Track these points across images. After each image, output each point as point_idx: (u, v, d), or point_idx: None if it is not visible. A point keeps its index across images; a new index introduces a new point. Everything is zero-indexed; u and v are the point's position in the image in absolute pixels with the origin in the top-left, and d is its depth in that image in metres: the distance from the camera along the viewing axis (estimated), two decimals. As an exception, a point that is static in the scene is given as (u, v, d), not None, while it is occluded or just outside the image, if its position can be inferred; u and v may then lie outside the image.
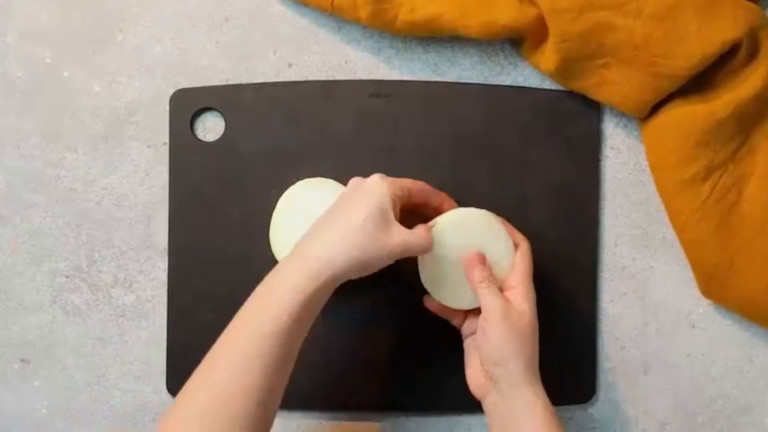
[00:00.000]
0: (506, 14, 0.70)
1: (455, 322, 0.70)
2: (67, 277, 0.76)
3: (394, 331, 0.74)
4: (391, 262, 0.62)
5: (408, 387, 0.74)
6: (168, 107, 0.74)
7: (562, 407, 0.75)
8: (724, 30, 0.68)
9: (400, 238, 0.62)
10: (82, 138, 0.75)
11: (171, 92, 0.74)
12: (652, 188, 0.74)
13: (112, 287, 0.75)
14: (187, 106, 0.74)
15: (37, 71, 0.75)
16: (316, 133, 0.74)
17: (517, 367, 0.63)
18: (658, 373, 0.76)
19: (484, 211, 0.68)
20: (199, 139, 0.75)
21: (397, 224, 0.62)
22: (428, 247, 0.64)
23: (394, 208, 0.63)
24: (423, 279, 0.68)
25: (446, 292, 0.68)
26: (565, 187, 0.74)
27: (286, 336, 0.59)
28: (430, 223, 0.66)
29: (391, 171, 0.73)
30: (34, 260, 0.76)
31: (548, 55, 0.71)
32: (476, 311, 0.67)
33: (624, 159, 0.75)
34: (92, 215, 0.75)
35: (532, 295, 0.66)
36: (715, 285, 0.73)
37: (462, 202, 0.74)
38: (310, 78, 0.75)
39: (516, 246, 0.68)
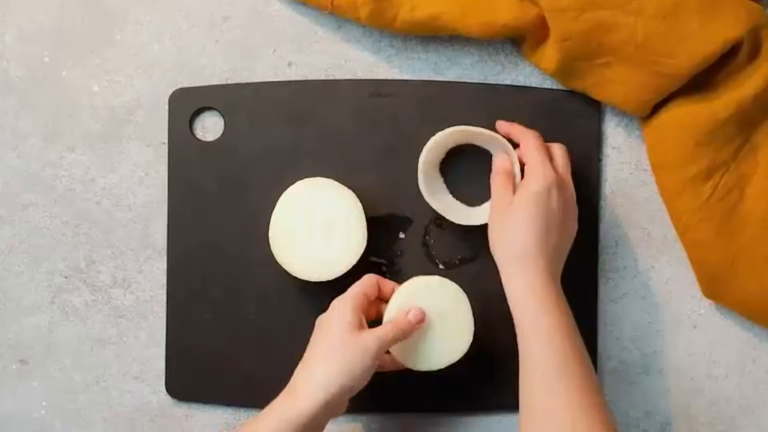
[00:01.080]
0: (507, 13, 0.70)
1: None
2: (65, 277, 0.75)
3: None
4: (376, 366, 0.65)
5: (409, 387, 0.73)
6: (167, 107, 0.74)
7: (563, 408, 0.75)
8: (725, 29, 0.68)
9: (373, 335, 0.64)
10: (81, 138, 0.75)
11: (170, 92, 0.74)
12: (653, 188, 0.74)
13: (111, 288, 0.75)
14: (187, 105, 0.74)
15: (36, 70, 0.75)
16: (316, 132, 0.74)
17: (503, 254, 0.66)
18: (659, 373, 0.76)
19: (437, 278, 0.69)
20: (198, 139, 0.74)
21: (367, 329, 0.65)
22: (405, 329, 0.66)
23: (359, 316, 0.66)
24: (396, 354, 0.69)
25: (415, 356, 0.69)
26: (566, 186, 0.74)
27: None
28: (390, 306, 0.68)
29: (390, 170, 0.73)
30: (33, 260, 0.75)
31: (549, 55, 0.71)
32: None
33: (625, 159, 0.75)
34: (91, 215, 0.75)
35: (529, 184, 0.66)
36: (716, 285, 0.73)
37: (463, 202, 0.74)
38: (310, 77, 0.75)
39: (520, 141, 0.69)
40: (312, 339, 0.67)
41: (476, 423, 0.75)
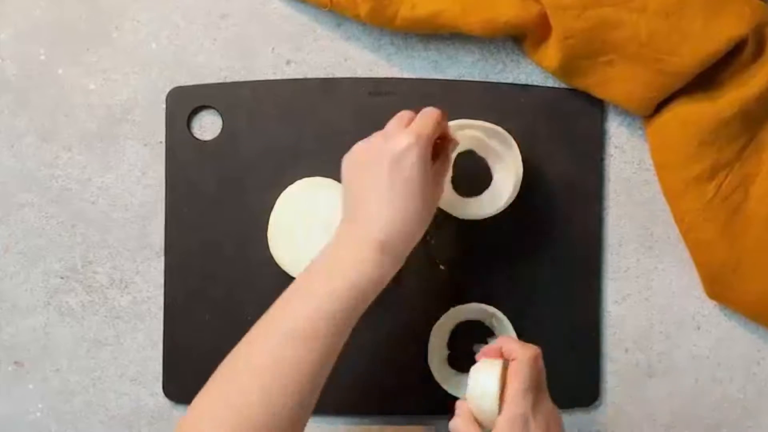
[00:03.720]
0: (508, 11, 0.70)
1: None
2: (61, 278, 0.75)
3: (396, 334, 0.73)
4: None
5: (411, 390, 0.73)
6: (164, 105, 0.74)
7: (565, 411, 0.75)
8: (729, 27, 0.68)
9: (438, 182, 0.63)
10: (77, 137, 0.75)
11: (167, 90, 0.74)
12: (656, 188, 0.74)
13: (108, 288, 0.75)
14: (184, 104, 0.74)
15: (31, 68, 0.75)
16: (315, 131, 0.74)
17: None
18: (662, 375, 0.75)
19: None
20: (196, 138, 0.74)
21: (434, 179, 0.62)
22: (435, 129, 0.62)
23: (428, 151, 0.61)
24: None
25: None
26: (568, 186, 0.74)
27: (353, 311, 0.57)
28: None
29: (391, 170, 0.73)
30: (29, 261, 0.75)
31: (551, 53, 0.71)
32: None
33: (628, 158, 0.75)
34: (87, 215, 0.75)
35: (516, 418, 0.58)
36: (720, 286, 0.73)
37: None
38: (309, 75, 0.74)
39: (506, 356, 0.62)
40: (388, 169, 0.60)
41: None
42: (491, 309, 0.71)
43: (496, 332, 0.73)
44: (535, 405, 0.59)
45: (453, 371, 0.73)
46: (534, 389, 0.59)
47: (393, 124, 0.63)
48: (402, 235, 0.60)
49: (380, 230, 0.59)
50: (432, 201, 0.62)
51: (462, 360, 0.74)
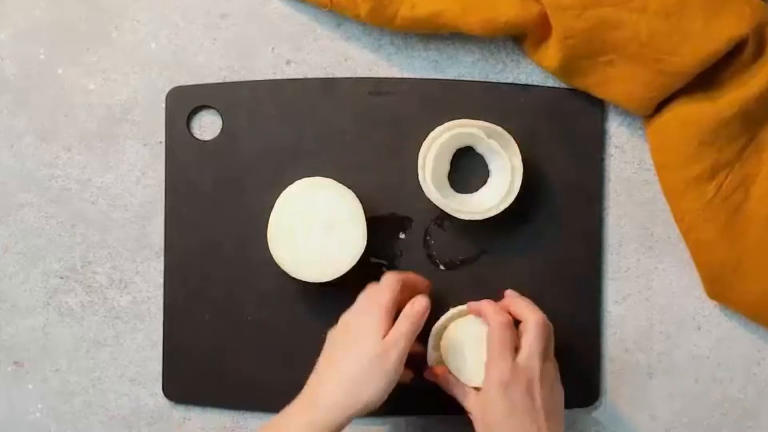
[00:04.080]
0: (508, 11, 0.70)
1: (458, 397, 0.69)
2: (61, 278, 0.75)
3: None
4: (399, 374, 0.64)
5: (411, 391, 0.73)
6: (164, 105, 0.74)
7: (566, 411, 0.74)
8: (730, 27, 0.68)
9: (397, 356, 0.63)
10: (77, 136, 0.75)
11: (167, 90, 0.74)
12: (657, 188, 0.74)
13: (107, 288, 0.75)
14: (184, 104, 0.74)
15: (31, 68, 0.74)
16: (315, 131, 0.73)
17: None
18: (663, 375, 0.75)
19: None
20: (195, 138, 0.74)
21: (391, 347, 0.63)
22: (417, 323, 0.64)
23: (385, 321, 0.64)
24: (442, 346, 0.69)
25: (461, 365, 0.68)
26: (568, 186, 0.74)
27: None
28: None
29: (391, 170, 0.73)
30: (28, 261, 0.75)
31: (551, 53, 0.71)
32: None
33: (628, 158, 0.75)
34: (87, 215, 0.75)
35: (490, 380, 0.64)
36: (721, 286, 0.73)
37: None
38: (309, 75, 0.74)
39: (487, 320, 0.66)
40: (338, 341, 0.65)
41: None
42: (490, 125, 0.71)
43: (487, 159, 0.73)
44: (542, 371, 0.64)
45: None
46: (542, 354, 0.64)
47: (386, 297, 0.65)
48: (349, 419, 0.62)
49: (333, 419, 0.62)
50: (381, 383, 0.63)
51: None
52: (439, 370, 0.68)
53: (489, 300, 0.67)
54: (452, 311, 0.70)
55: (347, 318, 0.66)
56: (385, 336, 0.63)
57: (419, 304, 0.65)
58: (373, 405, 0.62)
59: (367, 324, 0.64)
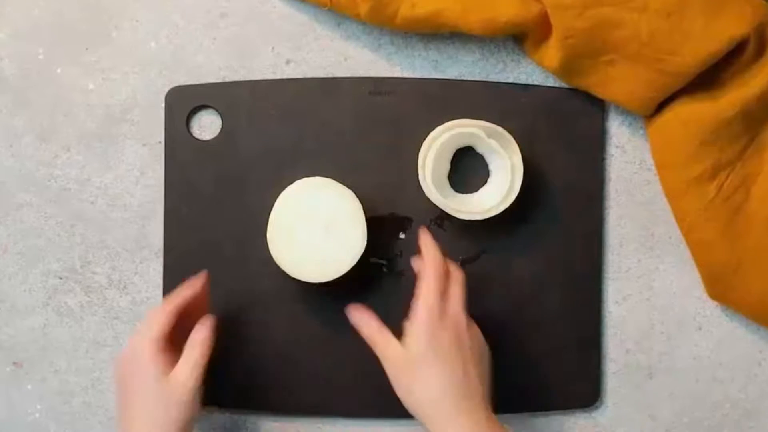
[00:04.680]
0: (509, 10, 0.69)
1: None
2: (60, 278, 0.75)
3: (395, 334, 0.73)
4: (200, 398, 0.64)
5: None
6: (163, 105, 0.74)
7: (566, 412, 0.75)
8: (731, 26, 0.67)
9: (182, 386, 0.63)
10: (76, 136, 0.74)
11: (166, 90, 0.74)
12: (657, 188, 0.73)
13: (107, 289, 0.75)
14: (183, 103, 0.74)
15: (30, 68, 0.74)
16: (315, 131, 0.73)
17: (420, 407, 0.62)
18: (663, 376, 0.75)
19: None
20: (195, 138, 0.74)
21: (170, 380, 0.63)
22: (202, 354, 0.64)
23: (165, 358, 0.63)
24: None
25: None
26: (569, 186, 0.73)
27: None
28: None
29: (391, 169, 0.73)
30: (27, 261, 0.75)
31: (552, 52, 0.70)
32: None
33: (629, 158, 0.75)
34: (86, 215, 0.74)
35: (417, 320, 0.63)
36: (722, 286, 0.72)
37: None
38: (309, 75, 0.74)
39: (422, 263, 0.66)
40: (120, 392, 0.64)
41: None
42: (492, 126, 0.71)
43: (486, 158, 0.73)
44: (469, 327, 0.64)
45: None
46: (439, 292, 0.63)
47: (154, 332, 0.65)
48: None
49: None
50: (174, 416, 0.63)
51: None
52: (360, 310, 0.67)
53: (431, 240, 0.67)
54: None
55: (123, 361, 0.65)
56: (159, 368, 0.63)
57: (200, 333, 0.65)
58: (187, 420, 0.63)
59: (145, 367, 0.63)
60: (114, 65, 0.74)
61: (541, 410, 0.75)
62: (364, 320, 0.65)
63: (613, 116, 0.75)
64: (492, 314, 0.73)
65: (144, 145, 0.74)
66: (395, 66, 0.74)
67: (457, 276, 0.65)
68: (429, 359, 0.62)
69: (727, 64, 0.69)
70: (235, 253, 0.73)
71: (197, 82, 0.74)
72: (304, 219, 0.69)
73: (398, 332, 0.65)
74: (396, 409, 0.74)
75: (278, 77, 0.74)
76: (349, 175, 0.72)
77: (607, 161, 0.74)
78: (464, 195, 0.73)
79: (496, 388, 0.74)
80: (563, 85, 0.73)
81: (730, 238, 0.71)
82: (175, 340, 0.65)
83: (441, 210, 0.71)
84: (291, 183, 0.71)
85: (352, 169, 0.73)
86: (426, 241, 0.67)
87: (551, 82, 0.74)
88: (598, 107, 0.74)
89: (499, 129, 0.70)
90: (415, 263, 0.69)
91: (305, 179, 0.70)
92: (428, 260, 0.65)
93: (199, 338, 0.65)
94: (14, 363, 0.75)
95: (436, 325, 0.62)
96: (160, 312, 0.65)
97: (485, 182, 0.73)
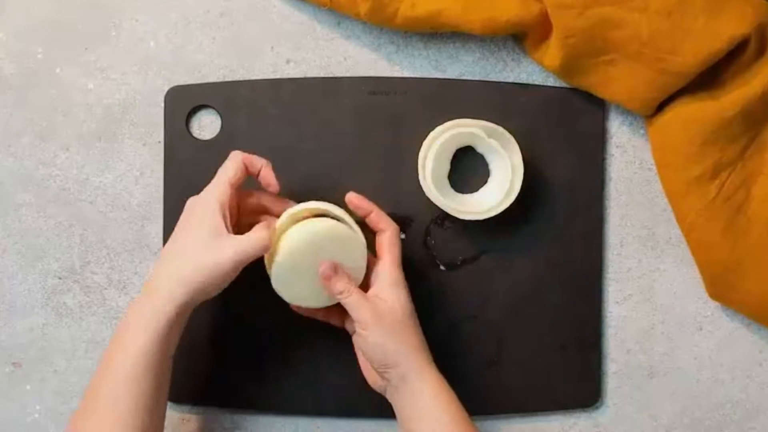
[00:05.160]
0: (509, 10, 0.69)
1: (333, 322, 0.70)
2: (59, 278, 0.74)
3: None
4: (238, 272, 0.63)
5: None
6: (163, 105, 0.73)
7: (567, 412, 0.74)
8: (731, 26, 0.67)
9: (232, 249, 0.63)
10: (75, 136, 0.74)
11: (166, 89, 0.73)
12: (658, 187, 0.73)
13: (106, 289, 0.74)
14: (183, 103, 0.73)
15: (29, 67, 0.74)
16: (315, 131, 0.73)
17: (402, 362, 0.64)
18: (664, 376, 0.75)
19: (330, 222, 0.66)
20: (195, 138, 0.74)
21: (228, 235, 0.63)
22: (265, 247, 0.64)
23: (223, 217, 0.64)
24: (275, 285, 0.67)
25: (302, 294, 0.67)
26: (569, 186, 0.73)
27: (148, 372, 0.61)
28: (266, 223, 0.66)
29: (391, 169, 0.72)
30: (26, 261, 0.74)
31: (552, 52, 0.70)
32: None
33: (630, 157, 0.74)
34: (85, 215, 0.74)
35: (399, 282, 0.66)
36: (722, 286, 0.72)
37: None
38: (309, 75, 0.74)
39: (380, 232, 0.68)
40: (179, 224, 0.65)
41: (476, 426, 0.74)
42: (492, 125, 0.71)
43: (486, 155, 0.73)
44: None
45: None
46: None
47: (228, 173, 0.66)
48: (169, 287, 0.63)
49: (174, 301, 0.62)
50: (211, 266, 0.63)
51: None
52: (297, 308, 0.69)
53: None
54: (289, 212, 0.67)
55: (189, 203, 0.66)
56: (214, 222, 0.63)
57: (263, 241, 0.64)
58: (216, 280, 0.63)
59: (201, 212, 0.64)
60: (113, 65, 0.74)
61: (541, 410, 0.74)
62: (332, 278, 0.65)
63: (614, 116, 0.74)
64: (491, 314, 0.73)
65: (143, 144, 0.74)
66: (395, 65, 0.74)
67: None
68: (410, 314, 0.66)
69: (728, 64, 0.69)
70: (235, 253, 0.73)
71: (197, 82, 0.74)
72: (310, 263, 0.66)
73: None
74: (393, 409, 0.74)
75: (278, 77, 0.74)
76: (349, 175, 0.72)
77: (608, 161, 0.74)
78: (464, 195, 0.73)
79: (496, 388, 0.74)
80: (564, 84, 0.73)
81: (731, 238, 0.70)
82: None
83: (441, 210, 0.71)
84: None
85: (352, 168, 0.73)
86: (364, 203, 0.68)
87: (552, 81, 0.74)
88: (598, 107, 0.74)
89: (500, 129, 0.70)
90: (372, 218, 0.68)
91: (311, 225, 0.66)
92: (385, 223, 0.67)
93: (261, 247, 0.64)
94: (13, 363, 0.75)
95: (404, 287, 0.66)
96: (238, 158, 0.66)
97: (485, 182, 0.73)
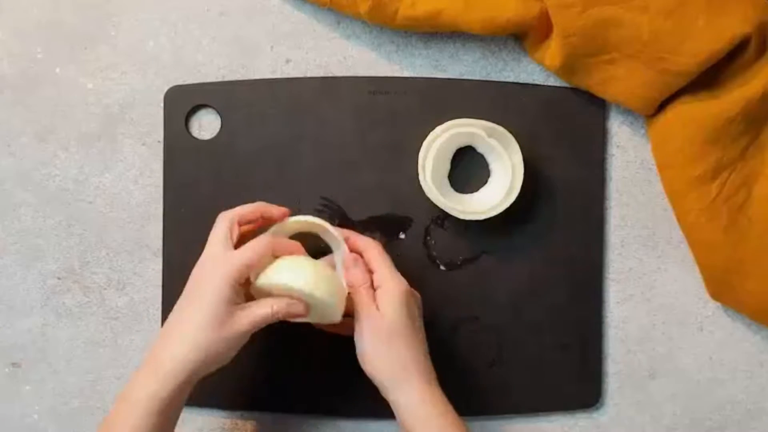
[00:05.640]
0: (509, 9, 0.69)
1: (347, 333, 0.67)
2: (58, 278, 0.74)
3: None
4: (247, 340, 0.62)
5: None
6: (162, 104, 0.73)
7: (567, 413, 0.74)
8: (732, 25, 0.67)
9: (247, 320, 0.61)
10: (75, 136, 0.74)
11: (165, 89, 0.73)
12: (659, 187, 0.73)
13: (105, 289, 0.74)
14: (182, 103, 0.73)
15: (29, 67, 0.74)
16: (315, 131, 0.73)
17: (390, 370, 0.63)
18: (665, 377, 0.75)
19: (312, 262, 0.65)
20: (194, 138, 0.73)
21: (242, 307, 0.62)
22: (280, 317, 0.63)
23: (237, 289, 0.62)
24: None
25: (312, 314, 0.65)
26: (570, 186, 0.73)
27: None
28: (270, 301, 0.63)
29: (392, 169, 0.72)
30: (25, 261, 0.74)
31: (553, 51, 0.70)
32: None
33: (630, 157, 0.74)
34: (85, 215, 0.74)
35: (394, 291, 0.64)
36: (723, 287, 0.72)
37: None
38: (309, 74, 0.74)
39: (363, 252, 0.66)
40: (184, 294, 0.63)
41: (476, 426, 0.74)
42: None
43: None
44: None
45: None
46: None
47: (221, 230, 0.65)
48: (180, 357, 0.61)
49: (176, 380, 0.61)
50: (224, 338, 0.61)
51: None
52: (359, 270, 0.66)
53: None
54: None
55: (194, 273, 0.64)
56: (229, 295, 0.61)
57: (296, 309, 0.63)
58: (221, 356, 0.61)
59: (212, 284, 0.61)
60: (113, 64, 0.74)
61: (542, 411, 0.74)
62: (359, 279, 0.65)
63: (614, 116, 0.74)
64: (492, 314, 0.73)
65: (143, 144, 0.74)
66: (395, 65, 0.74)
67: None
68: (407, 327, 0.64)
69: (729, 64, 0.69)
70: (235, 253, 0.73)
71: (196, 82, 0.74)
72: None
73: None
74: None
75: (278, 76, 0.74)
76: (349, 174, 0.72)
77: (608, 161, 0.74)
78: (464, 195, 0.73)
79: (497, 388, 0.74)
80: (564, 84, 0.73)
81: (732, 238, 0.70)
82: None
83: (441, 210, 0.71)
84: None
85: (352, 168, 0.72)
86: (345, 231, 0.68)
87: (552, 81, 0.74)
88: (599, 106, 0.73)
89: (500, 128, 0.70)
90: (351, 239, 0.68)
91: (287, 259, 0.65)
92: (365, 241, 0.67)
93: (282, 312, 0.63)
94: (12, 364, 0.75)
95: (410, 298, 0.65)
96: (228, 217, 0.65)
97: (486, 182, 0.73)
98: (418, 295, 0.67)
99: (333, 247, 0.69)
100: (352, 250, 0.67)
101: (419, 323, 0.66)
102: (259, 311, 0.62)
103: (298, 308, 0.63)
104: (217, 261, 0.62)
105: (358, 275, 0.65)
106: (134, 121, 0.74)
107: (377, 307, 0.64)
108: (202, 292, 0.61)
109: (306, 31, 0.74)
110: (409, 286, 0.65)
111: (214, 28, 0.74)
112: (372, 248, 0.66)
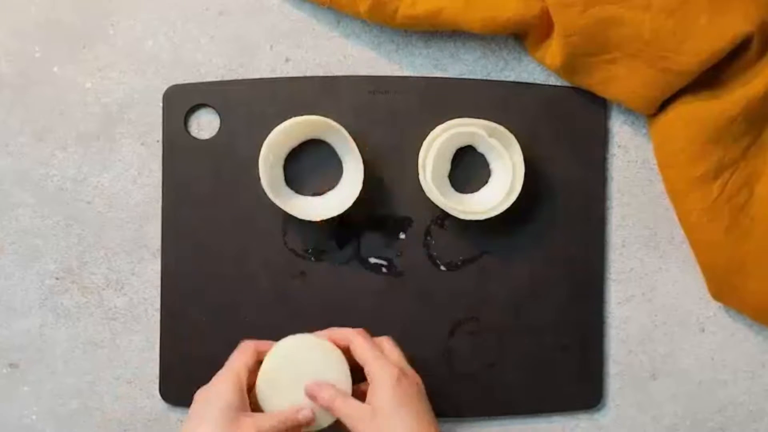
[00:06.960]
0: (510, 8, 0.69)
1: None
2: (57, 279, 0.74)
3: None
4: None
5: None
6: (161, 104, 0.73)
7: (568, 414, 0.74)
8: (735, 24, 0.67)
9: (254, 426, 0.62)
10: (73, 135, 0.74)
11: (164, 88, 0.73)
12: (660, 187, 0.73)
13: (104, 289, 0.74)
14: (181, 102, 0.73)
15: (26, 66, 0.74)
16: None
17: None
18: (666, 378, 0.74)
19: (309, 337, 0.66)
20: (193, 137, 0.73)
21: (249, 414, 0.63)
22: (290, 425, 0.64)
23: (241, 395, 0.63)
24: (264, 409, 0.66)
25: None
26: (570, 186, 0.73)
27: None
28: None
29: (391, 169, 0.72)
30: (23, 262, 0.74)
31: (554, 51, 0.70)
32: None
33: (631, 157, 0.74)
34: (83, 215, 0.74)
35: (384, 385, 0.63)
36: (725, 287, 0.72)
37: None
38: (308, 74, 0.74)
39: (349, 344, 0.66)
40: (190, 414, 0.64)
41: (477, 427, 0.74)
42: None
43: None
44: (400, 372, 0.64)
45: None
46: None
47: (239, 361, 0.66)
48: None
49: None
50: None
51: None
52: (314, 384, 0.65)
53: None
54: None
55: (198, 393, 0.65)
56: (234, 401, 0.63)
57: (303, 416, 0.64)
58: None
59: (216, 393, 0.63)
60: (111, 63, 0.74)
61: (542, 412, 0.74)
62: (317, 389, 0.65)
63: (616, 115, 0.74)
64: (492, 315, 0.73)
65: (142, 144, 0.74)
66: (395, 64, 0.74)
67: (383, 337, 0.67)
68: (398, 411, 0.62)
69: (731, 63, 0.69)
70: (233, 253, 0.73)
71: (195, 81, 0.73)
72: (295, 371, 0.66)
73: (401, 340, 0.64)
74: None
75: (277, 76, 0.73)
76: (348, 174, 0.72)
77: (610, 161, 0.74)
78: (465, 195, 0.73)
79: (497, 389, 0.74)
80: (565, 83, 0.73)
81: (734, 238, 0.70)
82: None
83: (441, 210, 0.70)
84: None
85: (351, 168, 0.72)
86: (333, 332, 0.67)
87: (553, 80, 0.74)
88: (600, 106, 0.73)
89: (501, 128, 0.70)
90: (333, 335, 0.67)
91: (301, 336, 0.67)
92: (346, 333, 0.66)
93: (291, 420, 0.64)
94: (10, 364, 0.75)
95: (402, 380, 0.63)
96: (246, 346, 0.67)
97: (486, 182, 0.73)
98: (415, 376, 0.65)
99: (342, 152, 0.70)
100: (337, 345, 0.66)
101: (424, 405, 0.64)
102: (268, 419, 0.63)
103: (307, 416, 0.64)
104: (219, 381, 0.65)
105: (325, 396, 0.64)
106: (133, 121, 0.74)
107: (369, 402, 0.63)
108: (209, 406, 0.63)
109: (306, 30, 0.74)
110: (400, 372, 0.64)
111: (213, 27, 0.74)
112: (355, 339, 0.65)
